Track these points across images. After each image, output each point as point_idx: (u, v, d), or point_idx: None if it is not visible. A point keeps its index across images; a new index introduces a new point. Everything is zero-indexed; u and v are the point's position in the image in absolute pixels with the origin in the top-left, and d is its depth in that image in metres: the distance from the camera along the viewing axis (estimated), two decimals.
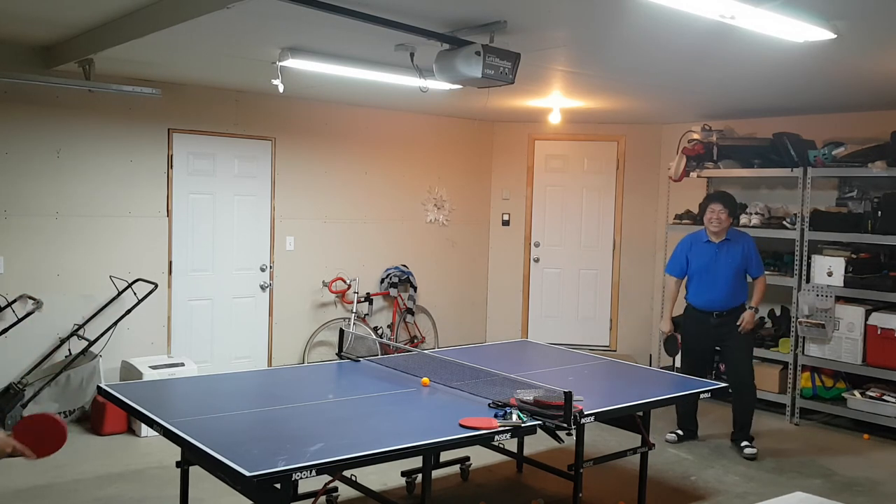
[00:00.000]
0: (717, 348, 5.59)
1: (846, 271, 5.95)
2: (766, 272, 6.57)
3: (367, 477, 4.11)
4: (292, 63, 4.62)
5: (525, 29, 3.89)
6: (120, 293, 5.72)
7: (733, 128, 7.21)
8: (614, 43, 4.29)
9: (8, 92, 5.31)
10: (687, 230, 7.22)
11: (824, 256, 6.10)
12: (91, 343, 5.38)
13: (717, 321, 5.43)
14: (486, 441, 3.24)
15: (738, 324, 5.38)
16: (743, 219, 6.70)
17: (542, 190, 8.27)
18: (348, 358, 4.60)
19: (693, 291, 5.54)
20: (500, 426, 3.21)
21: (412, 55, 4.35)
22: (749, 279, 5.57)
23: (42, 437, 2.42)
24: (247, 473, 2.55)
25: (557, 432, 3.38)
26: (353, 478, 3.80)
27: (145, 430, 5.21)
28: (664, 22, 3.62)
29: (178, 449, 3.31)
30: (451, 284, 8.03)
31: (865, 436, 5.85)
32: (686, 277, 5.60)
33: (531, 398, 3.45)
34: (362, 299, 7.25)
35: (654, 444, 4.28)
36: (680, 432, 5.66)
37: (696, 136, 7.05)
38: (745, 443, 5.36)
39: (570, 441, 3.68)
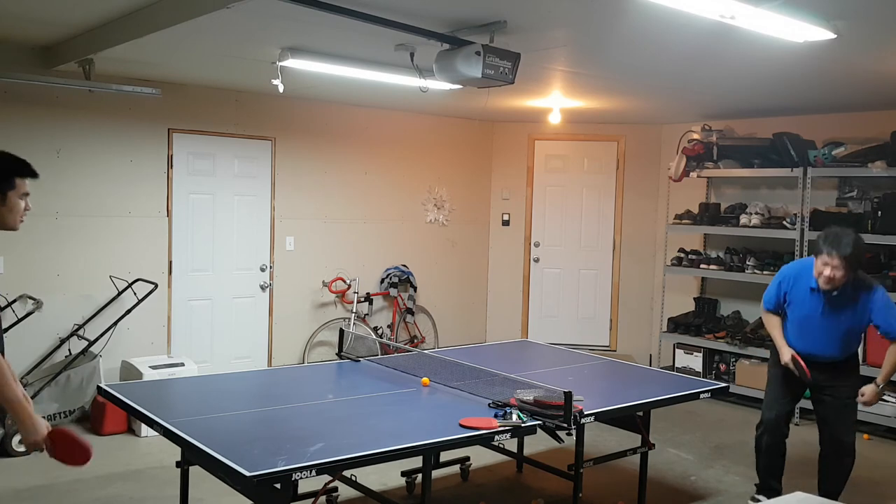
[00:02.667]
0: (809, 396, 4.35)
1: None
2: (766, 272, 6.60)
3: (367, 477, 4.11)
4: (292, 63, 4.62)
5: (525, 29, 3.89)
6: (120, 293, 5.72)
7: (733, 128, 7.21)
8: (614, 43, 4.29)
9: (8, 92, 5.31)
10: (687, 230, 7.26)
11: None
12: (91, 343, 5.38)
13: (819, 368, 4.15)
14: (485, 441, 3.24)
15: (856, 396, 4.13)
16: (743, 219, 6.71)
17: (542, 190, 8.27)
18: (348, 358, 4.60)
19: (791, 333, 4.22)
20: (500, 426, 3.21)
21: (412, 55, 4.35)
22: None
23: (69, 451, 2.57)
24: (247, 473, 2.55)
25: (557, 432, 3.38)
26: (353, 478, 3.80)
27: (145, 430, 5.21)
28: (664, 22, 3.62)
29: (178, 449, 3.30)
30: (451, 284, 8.03)
31: (865, 436, 5.85)
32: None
33: (531, 398, 3.45)
34: (362, 299, 7.25)
35: (653, 444, 4.28)
36: (761, 498, 4.43)
37: (696, 136, 7.05)
38: None
39: (570, 441, 3.68)
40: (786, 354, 4.17)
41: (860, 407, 4.18)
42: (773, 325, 4.29)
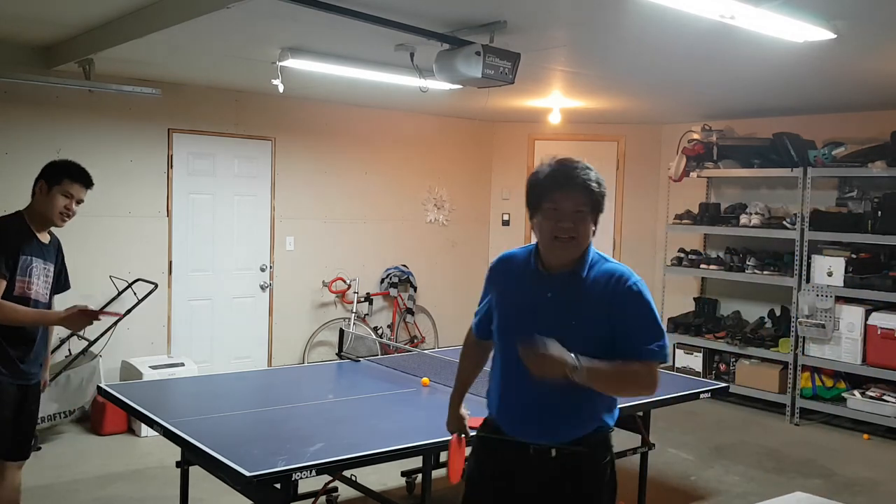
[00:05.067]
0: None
1: (846, 271, 5.95)
2: (767, 272, 6.60)
3: (367, 477, 4.11)
4: (292, 63, 4.62)
5: (525, 29, 3.89)
6: (120, 293, 5.72)
7: (733, 128, 7.21)
8: (614, 43, 4.28)
9: (8, 92, 5.31)
10: (687, 230, 7.25)
11: (824, 256, 6.10)
12: (91, 343, 5.38)
13: (537, 472, 2.25)
14: None
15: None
16: (743, 219, 6.71)
17: None
18: (348, 358, 4.60)
19: (493, 384, 2.39)
20: None
21: (412, 55, 4.35)
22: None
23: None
24: (247, 473, 2.55)
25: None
26: (353, 478, 3.80)
27: (145, 430, 5.21)
28: (664, 22, 3.62)
29: (178, 449, 3.30)
30: (452, 284, 8.03)
31: (865, 436, 5.85)
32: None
33: None
34: (362, 299, 7.24)
35: (654, 444, 4.27)
36: None
37: (696, 136, 7.05)
38: None
39: None
40: (451, 420, 2.51)
41: None
42: (463, 355, 2.62)
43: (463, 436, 2.53)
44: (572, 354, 2.06)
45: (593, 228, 2.23)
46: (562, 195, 2.16)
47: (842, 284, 5.95)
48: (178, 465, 3.67)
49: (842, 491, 4.72)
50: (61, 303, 3.48)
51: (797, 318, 6.21)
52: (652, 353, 2.19)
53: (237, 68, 5.33)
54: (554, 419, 2.23)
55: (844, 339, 5.96)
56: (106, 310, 3.12)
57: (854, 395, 5.95)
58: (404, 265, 7.61)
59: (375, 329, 7.38)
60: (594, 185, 2.18)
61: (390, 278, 7.46)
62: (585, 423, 2.26)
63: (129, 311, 4.05)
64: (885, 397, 5.77)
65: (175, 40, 4.32)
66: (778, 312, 6.79)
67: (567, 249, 2.20)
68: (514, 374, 2.23)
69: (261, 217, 6.71)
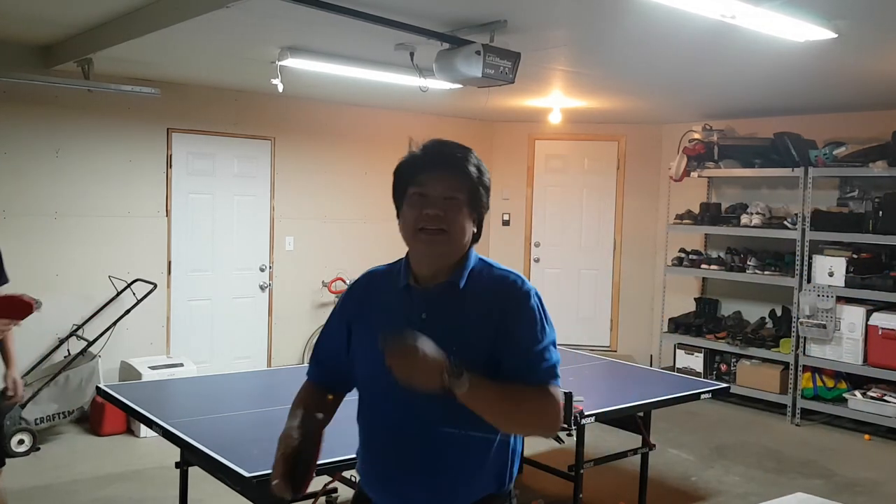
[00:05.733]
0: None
1: (847, 271, 5.94)
2: (767, 272, 6.60)
3: None
4: (292, 62, 4.61)
5: (525, 28, 3.88)
6: (119, 293, 5.71)
7: (734, 127, 7.20)
8: (615, 42, 4.27)
9: (7, 92, 5.30)
10: (688, 230, 7.24)
11: (825, 256, 6.09)
12: (90, 343, 5.37)
13: None
14: None
15: None
16: (744, 219, 6.70)
17: (543, 190, 8.25)
18: None
19: (360, 447, 1.95)
20: None
21: (412, 55, 4.34)
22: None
23: (9, 309, 2.81)
24: (246, 474, 2.54)
25: (558, 433, 3.37)
26: (353, 478, 3.78)
27: (144, 430, 5.20)
28: (665, 21, 3.61)
29: (178, 449, 3.29)
30: None
31: (866, 436, 5.84)
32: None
33: None
34: None
35: (654, 445, 4.27)
36: None
37: (696, 135, 7.04)
38: None
39: (570, 442, 3.67)
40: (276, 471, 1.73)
41: None
42: (297, 401, 2.04)
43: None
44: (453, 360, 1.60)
45: (473, 229, 1.76)
46: (430, 177, 1.71)
47: (843, 284, 5.94)
48: (177, 465, 3.66)
49: (843, 491, 4.71)
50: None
51: (798, 319, 6.20)
52: (547, 374, 1.73)
53: (236, 68, 5.32)
54: (440, 480, 1.73)
55: (845, 340, 5.95)
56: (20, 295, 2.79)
57: (855, 395, 5.94)
58: None
59: None
60: (473, 169, 1.75)
61: None
62: (478, 485, 1.80)
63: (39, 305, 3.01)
64: (886, 398, 5.76)
65: (174, 40, 4.31)
66: (779, 313, 6.77)
67: (435, 245, 1.70)
68: (388, 428, 1.76)
69: (260, 217, 6.70)
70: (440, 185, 1.71)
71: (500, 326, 1.72)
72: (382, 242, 7.55)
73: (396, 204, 1.78)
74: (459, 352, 1.63)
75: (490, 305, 1.73)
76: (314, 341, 2.07)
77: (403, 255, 1.82)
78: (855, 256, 5.99)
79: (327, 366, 1.95)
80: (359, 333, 1.83)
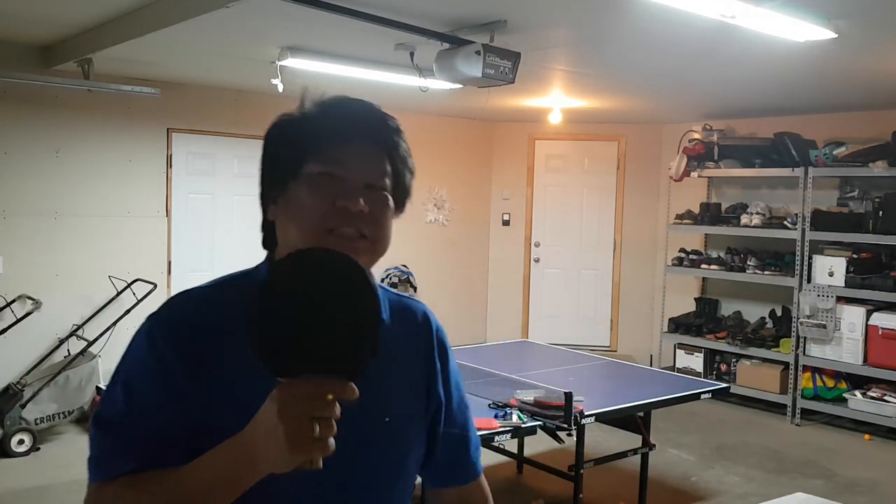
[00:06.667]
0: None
1: (847, 271, 5.94)
2: (768, 272, 6.59)
3: None
4: (292, 62, 4.61)
5: (525, 28, 3.87)
6: (119, 293, 5.71)
7: (734, 127, 7.20)
8: (615, 42, 4.27)
9: (6, 91, 5.29)
10: (688, 230, 7.24)
11: (825, 256, 6.09)
12: (90, 343, 5.37)
13: None
14: (486, 441, 3.22)
15: None
16: (744, 219, 6.70)
17: (543, 190, 8.25)
18: None
19: None
20: (501, 427, 3.20)
21: (412, 54, 4.34)
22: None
23: None
24: None
25: (558, 433, 3.37)
26: None
27: None
28: (665, 21, 3.61)
29: None
30: (451, 284, 8.01)
31: (867, 436, 5.84)
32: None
33: (531, 399, 3.44)
34: None
35: (654, 445, 4.27)
36: None
37: (696, 135, 7.04)
38: None
39: (570, 442, 3.67)
40: None
41: None
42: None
43: None
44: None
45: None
46: (346, 151, 1.13)
47: (843, 284, 5.94)
48: None
49: (843, 491, 4.71)
50: None
51: (798, 319, 6.19)
52: (478, 457, 1.36)
53: (236, 68, 5.32)
54: None
55: (845, 340, 5.95)
56: None
57: (855, 395, 5.93)
58: (404, 265, 7.60)
59: None
60: (404, 145, 1.19)
61: (390, 278, 7.45)
62: None
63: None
64: (886, 398, 5.76)
65: (174, 40, 4.31)
66: (779, 313, 6.77)
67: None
68: None
69: (260, 217, 6.68)
70: (362, 164, 1.12)
71: (432, 385, 1.25)
72: None
73: (273, 186, 1.16)
74: (395, 426, 1.16)
75: (417, 349, 1.25)
76: None
77: (258, 265, 1.22)
78: (855, 256, 5.99)
79: (156, 449, 1.05)
80: (218, 399, 1.07)
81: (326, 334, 0.91)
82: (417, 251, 7.75)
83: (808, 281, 6.16)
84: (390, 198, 1.15)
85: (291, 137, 1.18)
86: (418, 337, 1.26)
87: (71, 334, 5.56)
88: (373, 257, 1.13)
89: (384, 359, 0.98)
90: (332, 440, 0.90)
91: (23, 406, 5.04)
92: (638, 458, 4.23)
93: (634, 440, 4.30)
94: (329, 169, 1.11)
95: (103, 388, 3.68)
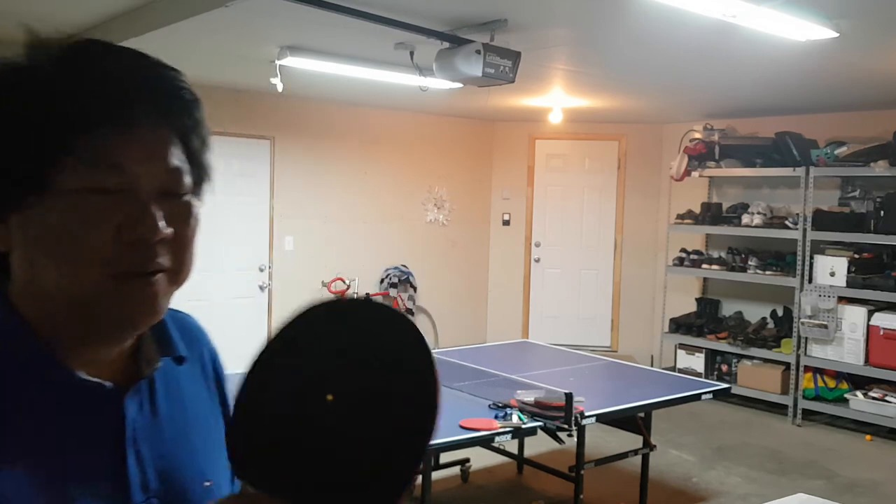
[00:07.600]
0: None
1: (849, 271, 5.93)
2: (769, 272, 6.58)
3: None
4: (291, 62, 4.60)
5: (525, 27, 3.86)
6: None
7: (735, 127, 7.19)
8: (615, 41, 4.26)
9: None
10: (688, 230, 7.23)
11: (827, 256, 6.08)
12: None
13: None
14: (486, 442, 3.21)
15: None
16: (745, 218, 6.68)
17: (543, 190, 8.24)
18: None
19: None
20: (501, 427, 3.18)
21: (412, 54, 4.33)
22: None
23: None
24: None
25: (558, 433, 3.36)
26: None
27: None
28: (665, 20, 3.60)
29: None
30: (451, 284, 8.00)
31: (868, 437, 5.82)
32: None
33: (532, 399, 3.43)
34: None
35: (655, 446, 4.26)
36: None
37: (697, 135, 7.03)
38: None
39: (570, 442, 3.66)
40: None
41: None
42: None
43: None
44: None
45: None
46: (125, 144, 0.74)
47: (844, 285, 5.93)
48: None
49: (844, 492, 4.69)
50: None
51: (799, 319, 6.18)
52: None
53: (236, 67, 5.31)
54: None
55: (847, 340, 5.94)
56: None
57: (856, 395, 5.92)
58: (404, 265, 7.59)
59: None
60: (203, 119, 0.83)
61: (390, 278, 7.44)
62: None
63: None
64: (887, 398, 5.75)
65: (173, 39, 4.30)
66: (780, 313, 6.76)
67: (153, 300, 0.83)
68: None
69: (259, 217, 6.68)
70: (151, 162, 0.77)
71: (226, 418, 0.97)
72: (382, 242, 7.56)
73: None
74: (216, 489, 0.88)
75: (209, 385, 1.01)
76: None
77: None
78: (856, 256, 5.98)
79: None
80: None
81: (350, 445, 0.62)
82: (417, 251, 7.75)
83: (810, 281, 6.15)
84: (194, 202, 0.84)
85: (20, 118, 0.72)
86: (203, 360, 1.01)
87: None
88: (172, 291, 0.85)
89: (187, 407, 0.82)
90: None
91: None
92: (638, 458, 4.22)
93: (635, 441, 4.29)
94: (102, 181, 0.72)
95: None
